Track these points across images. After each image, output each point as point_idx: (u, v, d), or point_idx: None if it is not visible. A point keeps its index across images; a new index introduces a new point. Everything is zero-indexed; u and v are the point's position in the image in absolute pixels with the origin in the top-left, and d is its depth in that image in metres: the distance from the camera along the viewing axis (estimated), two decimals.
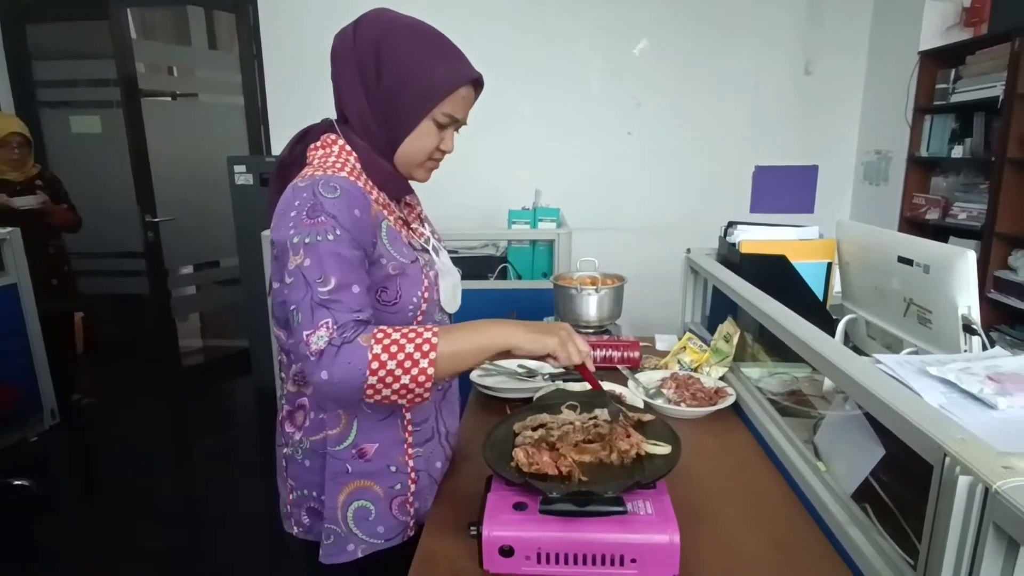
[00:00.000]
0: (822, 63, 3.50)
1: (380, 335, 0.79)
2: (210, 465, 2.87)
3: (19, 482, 2.47)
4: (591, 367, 0.94)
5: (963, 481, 0.56)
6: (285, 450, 0.99)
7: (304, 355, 0.78)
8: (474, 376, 1.41)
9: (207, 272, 4.20)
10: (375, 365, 0.77)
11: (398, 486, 0.95)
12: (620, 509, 0.76)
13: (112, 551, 2.26)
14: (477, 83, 0.93)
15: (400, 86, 0.88)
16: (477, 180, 3.32)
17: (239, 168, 3.43)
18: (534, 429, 0.96)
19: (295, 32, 3.52)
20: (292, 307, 0.81)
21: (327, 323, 0.78)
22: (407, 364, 0.78)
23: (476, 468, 0.99)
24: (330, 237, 0.81)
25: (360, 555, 0.94)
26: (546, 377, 1.39)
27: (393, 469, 0.95)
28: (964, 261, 1.07)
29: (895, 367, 0.89)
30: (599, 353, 1.53)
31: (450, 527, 0.91)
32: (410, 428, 0.97)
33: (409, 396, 0.81)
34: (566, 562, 0.79)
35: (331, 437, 0.93)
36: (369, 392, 0.79)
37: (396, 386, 0.79)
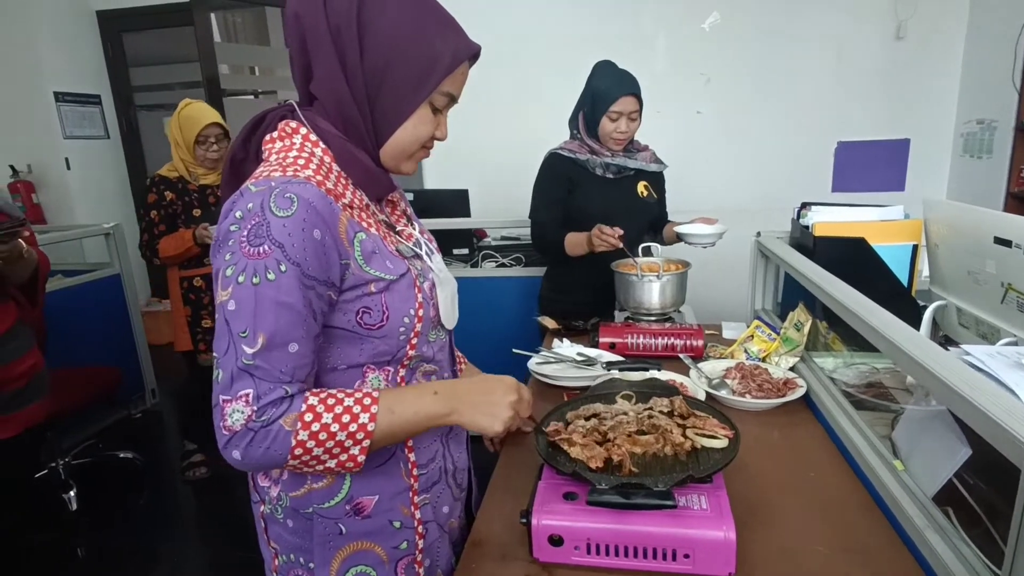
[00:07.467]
0: (915, 25, 3.20)
1: (309, 417, 0.67)
2: None
3: (125, 455, 2.72)
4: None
5: None
6: (263, 508, 0.83)
7: (218, 425, 0.67)
8: (532, 365, 1.41)
9: None
10: (299, 451, 0.67)
11: (404, 544, 0.81)
12: (669, 503, 0.74)
13: (209, 518, 2.45)
14: (475, 57, 0.78)
15: (391, 64, 0.72)
16: (537, 162, 3.30)
17: None
18: (587, 419, 0.95)
19: None
20: (215, 356, 0.68)
21: (247, 396, 0.66)
22: (336, 451, 0.68)
23: (530, 457, 0.99)
24: (270, 276, 0.65)
25: None
26: (604, 365, 1.36)
27: (397, 525, 0.80)
28: None
29: (985, 359, 0.81)
30: (661, 341, 1.49)
31: (502, 514, 0.91)
32: (415, 472, 0.82)
33: (331, 474, 0.72)
34: (616, 554, 0.78)
35: (316, 492, 0.77)
36: (288, 468, 0.71)
37: (319, 467, 0.70)
